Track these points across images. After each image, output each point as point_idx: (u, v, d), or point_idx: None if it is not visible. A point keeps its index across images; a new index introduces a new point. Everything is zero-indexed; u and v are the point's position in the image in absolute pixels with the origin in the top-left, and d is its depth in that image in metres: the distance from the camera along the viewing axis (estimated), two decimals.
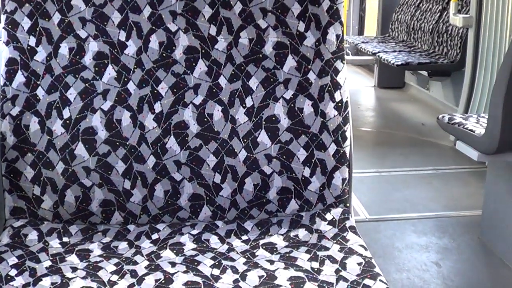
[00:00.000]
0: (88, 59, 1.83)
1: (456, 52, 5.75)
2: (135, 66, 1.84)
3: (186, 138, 1.86)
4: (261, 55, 1.88)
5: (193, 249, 1.70)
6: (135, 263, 1.62)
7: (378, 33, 7.97)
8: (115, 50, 1.85)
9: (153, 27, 1.85)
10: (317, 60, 1.89)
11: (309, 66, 1.89)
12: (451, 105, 6.08)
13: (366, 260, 1.59)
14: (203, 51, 1.87)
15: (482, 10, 4.89)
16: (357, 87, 7.83)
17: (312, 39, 1.89)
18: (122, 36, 1.85)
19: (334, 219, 1.83)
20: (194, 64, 1.86)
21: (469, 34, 5.11)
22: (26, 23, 1.81)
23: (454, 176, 4.51)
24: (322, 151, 1.90)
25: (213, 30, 1.87)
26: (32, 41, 1.82)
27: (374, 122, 6.24)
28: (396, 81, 7.52)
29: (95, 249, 1.70)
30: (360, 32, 9.22)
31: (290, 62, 1.89)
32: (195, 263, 1.61)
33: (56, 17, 1.82)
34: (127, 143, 1.84)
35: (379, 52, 6.33)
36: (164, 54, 1.85)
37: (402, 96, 7.26)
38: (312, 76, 1.89)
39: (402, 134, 5.69)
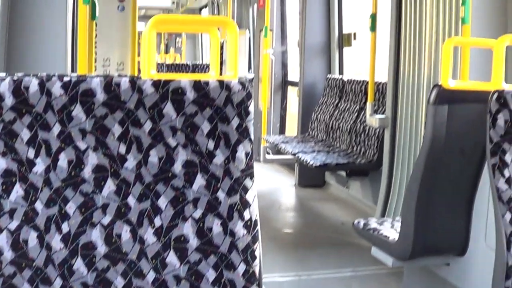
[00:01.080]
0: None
1: (373, 151, 5.86)
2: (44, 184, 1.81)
3: (94, 260, 1.82)
4: (170, 174, 1.87)
5: None
6: None
7: (298, 132, 8.08)
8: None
9: (62, 145, 1.81)
10: (227, 179, 1.90)
11: (218, 185, 1.89)
12: (370, 203, 6.13)
13: None
14: (112, 170, 1.84)
15: (397, 111, 5.03)
16: (278, 186, 7.84)
17: (221, 158, 1.89)
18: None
19: None
20: (102, 183, 1.84)
21: (386, 134, 5.23)
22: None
23: (373, 277, 4.48)
24: (231, 271, 1.88)
25: (122, 149, 1.85)
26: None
27: (295, 223, 6.22)
28: (317, 180, 7.57)
29: None
30: (282, 130, 9.35)
31: (199, 180, 1.88)
32: None
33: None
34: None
35: (298, 152, 6.38)
36: (72, 173, 1.82)
37: (322, 195, 7.30)
38: (221, 194, 1.89)
39: (322, 234, 5.67)
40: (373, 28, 5.44)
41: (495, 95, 2.44)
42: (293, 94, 9.15)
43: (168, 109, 1.87)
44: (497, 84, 2.59)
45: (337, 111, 7.03)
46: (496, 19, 4.19)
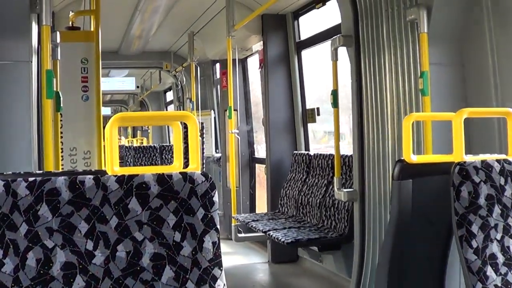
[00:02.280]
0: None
1: (344, 225, 5.87)
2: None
3: None
4: (138, 268, 1.89)
5: None
6: None
7: (268, 209, 8.08)
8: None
9: (30, 244, 1.83)
10: (195, 269, 1.92)
11: (187, 276, 1.92)
12: (345, 276, 6.10)
13: None
14: (81, 266, 1.86)
15: (365, 184, 5.08)
16: (251, 263, 7.77)
17: (188, 249, 1.93)
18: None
19: None
20: (72, 280, 1.85)
21: (355, 207, 5.26)
22: None
23: None
24: None
25: (90, 245, 1.87)
26: None
27: None
28: (290, 255, 7.54)
29: None
30: (252, 208, 9.34)
31: (168, 272, 1.91)
32: None
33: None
34: None
35: (269, 230, 6.37)
36: (41, 271, 1.83)
37: (296, 270, 7.25)
38: (190, 285, 1.92)
39: None
40: (335, 104, 5.54)
41: (457, 168, 2.51)
42: (260, 172, 9.21)
43: (133, 204, 1.90)
44: (458, 157, 2.66)
45: (305, 186, 7.07)
46: (455, 89, 4.31)
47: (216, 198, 1.96)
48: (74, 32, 5.47)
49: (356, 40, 5.15)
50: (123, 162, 12.00)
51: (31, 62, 3.91)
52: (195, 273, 1.92)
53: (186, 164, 2.05)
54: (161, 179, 1.92)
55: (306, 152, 7.59)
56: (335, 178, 5.51)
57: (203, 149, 9.86)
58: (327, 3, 7.08)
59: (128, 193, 1.89)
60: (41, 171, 2.18)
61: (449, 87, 4.32)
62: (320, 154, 7.04)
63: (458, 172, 2.50)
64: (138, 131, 18.47)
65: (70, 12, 5.86)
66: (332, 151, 6.20)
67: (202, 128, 9.57)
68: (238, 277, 6.88)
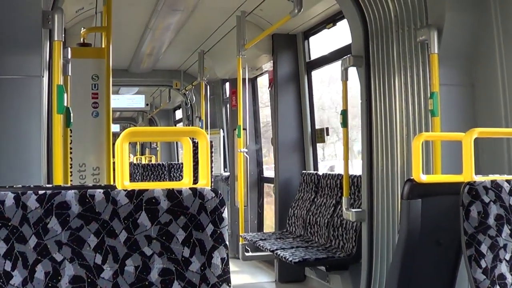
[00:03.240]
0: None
1: (352, 245, 5.84)
2: None
3: None
4: (147, 282, 1.89)
5: None
6: None
7: (276, 228, 8.06)
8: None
9: (39, 257, 1.84)
10: (203, 285, 1.92)
11: None
12: None
13: None
14: (89, 280, 1.86)
15: (373, 204, 5.06)
16: (258, 282, 7.73)
17: (197, 264, 1.92)
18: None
19: None
20: None
21: (363, 227, 5.23)
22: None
23: None
24: None
25: (98, 259, 1.87)
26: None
27: None
28: (297, 275, 7.50)
29: None
30: (259, 227, 9.32)
31: None
32: None
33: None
34: None
35: (277, 249, 6.35)
36: (49, 284, 1.83)
37: None
38: None
39: None
40: (344, 124, 5.54)
41: (467, 188, 2.50)
42: (269, 191, 9.21)
43: (143, 218, 1.89)
44: (468, 177, 2.65)
45: (313, 206, 7.05)
46: (465, 110, 4.30)
47: (225, 214, 1.96)
48: (85, 48, 5.50)
49: (366, 60, 5.16)
50: (131, 180, 11.98)
51: (43, 77, 3.93)
52: None
53: (195, 182, 2.05)
54: (171, 194, 1.92)
55: (315, 171, 7.58)
56: (343, 198, 5.49)
57: (211, 167, 9.86)
58: (337, 24, 7.11)
59: (137, 208, 1.89)
60: (51, 185, 2.19)
61: (459, 108, 4.32)
62: (329, 174, 7.03)
63: (467, 191, 2.49)
64: (147, 149, 18.51)
65: (82, 28, 5.91)
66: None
67: (211, 146, 9.58)
68: None
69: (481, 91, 4.24)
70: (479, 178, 2.66)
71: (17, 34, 3.84)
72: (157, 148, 17.14)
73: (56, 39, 3.83)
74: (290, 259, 5.84)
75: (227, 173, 10.35)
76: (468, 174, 2.66)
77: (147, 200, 1.90)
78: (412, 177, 2.97)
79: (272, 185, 8.40)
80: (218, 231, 1.95)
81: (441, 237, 3.03)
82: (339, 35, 7.15)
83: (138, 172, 12.19)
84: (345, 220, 6.02)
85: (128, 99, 13.95)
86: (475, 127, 2.82)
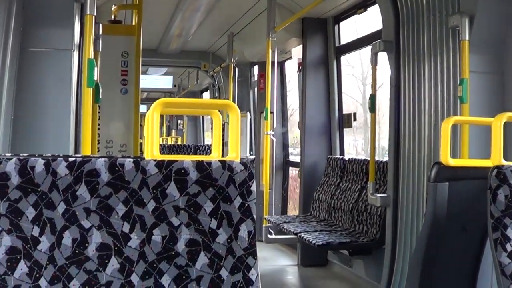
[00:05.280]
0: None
1: (375, 230, 5.83)
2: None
3: None
4: (173, 253, 1.90)
5: None
6: None
7: (300, 212, 8.07)
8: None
9: (67, 224, 1.86)
10: (229, 257, 1.93)
11: (221, 263, 1.92)
12: (374, 282, 6.06)
13: None
14: (116, 248, 1.88)
15: (399, 189, 5.04)
16: (281, 265, 7.76)
17: (224, 236, 1.93)
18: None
19: None
20: (106, 261, 1.87)
21: (388, 212, 5.23)
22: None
23: None
24: None
25: (126, 228, 1.89)
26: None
27: None
28: (319, 259, 7.51)
29: None
30: (283, 211, 9.33)
31: (203, 259, 1.92)
32: None
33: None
34: None
35: (300, 232, 6.36)
36: (76, 251, 1.85)
37: (325, 274, 7.22)
38: (224, 273, 1.92)
39: None
40: (372, 109, 5.52)
41: (495, 171, 2.48)
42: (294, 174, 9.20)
43: (171, 189, 1.91)
44: (496, 161, 2.63)
45: (338, 190, 7.04)
46: (494, 97, 4.27)
47: (254, 188, 1.96)
48: (116, 25, 5.54)
49: (396, 46, 5.13)
50: None
51: (74, 51, 3.96)
52: (229, 261, 1.92)
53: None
54: (200, 166, 1.93)
55: (341, 156, 7.56)
56: (369, 183, 5.48)
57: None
58: (368, 9, 7.05)
59: (166, 178, 1.90)
60: (80, 155, 2.21)
61: (488, 95, 4.28)
62: (355, 159, 7.01)
63: (495, 175, 2.48)
64: (173, 130, 18.59)
65: (113, 6, 5.94)
66: None
67: None
68: (267, 278, 6.88)
69: (510, 79, 4.19)
70: (507, 163, 2.65)
71: (49, 7, 3.87)
72: (183, 130, 17.21)
73: (88, 13, 3.85)
74: (313, 242, 5.85)
75: (253, 156, 10.36)
76: (497, 158, 2.64)
77: (176, 171, 1.91)
78: (439, 160, 2.96)
79: (298, 169, 8.40)
80: (246, 204, 1.95)
81: (467, 221, 3.01)
82: (369, 20, 7.11)
83: (164, 152, 12.27)
84: (369, 205, 6.01)
85: (156, 80, 14.00)
86: (505, 112, 2.80)
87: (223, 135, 7.95)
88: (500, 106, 4.22)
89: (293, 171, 9.48)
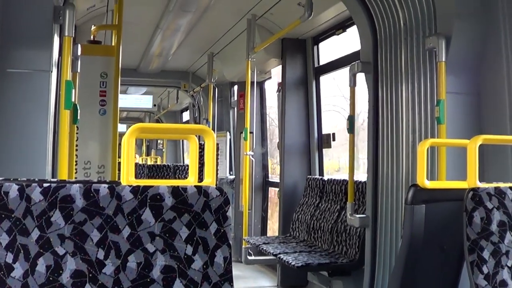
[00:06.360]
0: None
1: (355, 251, 5.83)
2: None
3: None
4: (148, 279, 1.89)
5: None
6: None
7: (280, 232, 8.05)
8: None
9: (41, 250, 1.83)
10: (205, 284, 1.92)
11: None
12: None
13: None
14: (90, 275, 1.85)
15: (377, 210, 5.05)
16: (260, 286, 7.73)
17: (200, 262, 1.92)
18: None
19: None
20: None
21: (367, 233, 5.23)
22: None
23: None
24: None
25: (101, 254, 1.87)
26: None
27: None
28: (299, 280, 7.48)
29: None
30: (263, 231, 9.31)
31: (178, 286, 1.90)
32: None
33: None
34: None
35: (280, 253, 6.34)
36: (50, 278, 1.83)
37: None
38: None
39: None
40: (351, 129, 5.54)
41: (470, 194, 2.50)
42: (273, 195, 9.19)
43: (147, 215, 1.89)
44: (472, 183, 2.65)
45: (318, 211, 7.04)
46: (471, 118, 4.30)
47: (230, 213, 1.96)
48: (95, 45, 5.52)
49: (374, 67, 5.17)
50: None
51: (51, 72, 3.94)
52: (205, 287, 1.91)
53: (200, 181, 2.05)
54: (176, 191, 1.92)
55: (320, 177, 7.57)
56: (348, 203, 5.49)
57: (217, 170, 9.87)
58: (347, 30, 7.11)
59: (142, 204, 1.89)
60: (55, 179, 2.20)
61: (465, 116, 4.32)
62: (334, 179, 7.02)
63: (471, 197, 2.49)
64: (153, 150, 18.53)
65: (92, 26, 5.93)
66: None
67: (217, 149, 9.57)
68: None
69: (487, 99, 4.24)
70: (483, 185, 2.66)
71: (28, 28, 3.85)
72: (163, 150, 17.16)
73: (66, 34, 3.84)
74: (293, 263, 5.83)
75: (232, 176, 10.34)
76: (472, 180, 2.66)
77: (152, 197, 1.90)
78: (416, 183, 2.97)
79: (277, 189, 8.39)
80: (222, 230, 1.94)
81: (444, 242, 3.03)
82: (348, 41, 7.16)
83: (143, 172, 12.21)
84: (349, 225, 6.01)
85: (136, 99, 13.97)
86: (480, 135, 2.82)
87: (203, 156, 7.92)
88: (477, 126, 4.25)
89: (272, 192, 9.48)
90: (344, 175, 7.20)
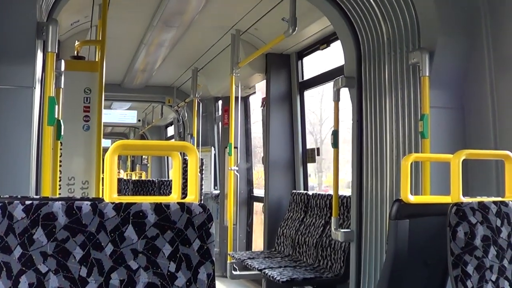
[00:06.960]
0: None
1: (340, 265, 5.83)
2: None
3: None
4: None
5: None
6: None
7: (265, 247, 8.03)
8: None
9: (23, 268, 1.81)
10: None
11: None
12: None
13: None
14: None
15: (362, 225, 5.06)
16: None
17: (183, 280, 1.91)
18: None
19: None
20: None
21: (351, 247, 5.23)
22: None
23: None
24: None
25: (83, 272, 1.86)
26: None
27: None
28: None
29: None
30: (248, 246, 9.28)
31: None
32: None
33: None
34: None
35: (265, 268, 6.33)
36: None
37: None
38: None
39: None
40: (335, 144, 5.55)
41: (454, 209, 2.50)
42: (258, 210, 9.18)
43: (129, 232, 1.88)
44: (455, 198, 2.65)
45: (303, 225, 7.04)
46: (455, 132, 4.32)
47: (213, 230, 1.95)
48: (79, 61, 5.51)
49: (358, 82, 5.19)
50: (121, 195, 11.94)
51: (34, 88, 3.92)
52: None
53: (183, 198, 2.05)
54: (159, 208, 1.92)
55: (305, 191, 7.58)
56: (332, 218, 5.49)
57: (201, 185, 9.85)
58: (331, 45, 7.15)
59: (124, 221, 1.88)
60: (38, 196, 2.18)
61: (449, 130, 4.34)
62: (319, 194, 7.03)
63: (455, 212, 2.50)
64: (137, 165, 18.48)
65: (76, 41, 5.92)
66: None
67: (202, 164, 9.56)
68: None
69: (471, 114, 4.27)
70: (466, 199, 2.67)
71: (11, 44, 3.83)
72: (148, 165, 17.10)
73: (49, 50, 3.83)
74: (277, 278, 5.82)
75: (217, 191, 10.32)
76: (456, 195, 2.67)
77: (134, 214, 1.89)
78: (400, 198, 2.98)
79: (262, 204, 8.38)
80: (205, 247, 1.94)
81: (428, 257, 3.03)
82: (333, 56, 7.20)
83: (128, 188, 12.16)
84: (333, 240, 6.01)
85: (120, 114, 13.95)
86: (464, 149, 2.84)
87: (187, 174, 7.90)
88: (461, 140, 4.28)
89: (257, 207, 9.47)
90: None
